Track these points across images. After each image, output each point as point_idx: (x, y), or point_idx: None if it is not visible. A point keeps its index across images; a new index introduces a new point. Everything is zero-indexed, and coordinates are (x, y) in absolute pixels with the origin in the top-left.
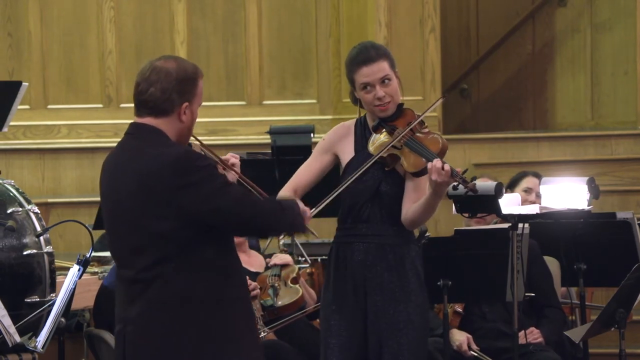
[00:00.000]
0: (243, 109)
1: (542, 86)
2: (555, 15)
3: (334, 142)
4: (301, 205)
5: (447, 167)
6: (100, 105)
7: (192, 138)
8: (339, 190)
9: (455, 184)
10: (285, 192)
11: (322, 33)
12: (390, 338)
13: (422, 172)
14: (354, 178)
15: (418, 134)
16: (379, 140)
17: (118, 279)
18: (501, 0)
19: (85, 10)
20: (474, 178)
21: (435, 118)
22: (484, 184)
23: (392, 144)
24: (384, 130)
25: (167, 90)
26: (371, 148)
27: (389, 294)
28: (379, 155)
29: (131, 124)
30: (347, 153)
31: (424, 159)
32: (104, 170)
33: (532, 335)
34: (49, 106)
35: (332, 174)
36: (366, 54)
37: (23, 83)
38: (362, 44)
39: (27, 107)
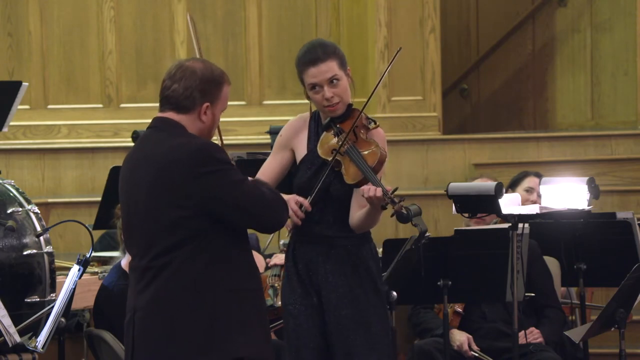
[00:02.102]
0: (243, 109)
1: (542, 86)
2: (555, 15)
3: (290, 137)
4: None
5: (378, 193)
6: (100, 105)
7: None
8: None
9: (384, 203)
10: None
11: (322, 33)
12: (342, 339)
13: (360, 184)
14: (317, 188)
15: (361, 139)
16: (325, 142)
17: (131, 269)
18: (501, 0)
19: (85, 10)
20: (402, 199)
21: (435, 118)
22: (484, 184)
23: (337, 151)
24: (332, 130)
25: (189, 88)
26: (319, 150)
27: (340, 295)
28: (328, 168)
29: (154, 117)
30: (300, 149)
31: (361, 174)
32: (124, 167)
33: (532, 335)
34: (49, 106)
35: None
36: (313, 54)
37: (23, 83)
38: (311, 43)
39: (27, 107)
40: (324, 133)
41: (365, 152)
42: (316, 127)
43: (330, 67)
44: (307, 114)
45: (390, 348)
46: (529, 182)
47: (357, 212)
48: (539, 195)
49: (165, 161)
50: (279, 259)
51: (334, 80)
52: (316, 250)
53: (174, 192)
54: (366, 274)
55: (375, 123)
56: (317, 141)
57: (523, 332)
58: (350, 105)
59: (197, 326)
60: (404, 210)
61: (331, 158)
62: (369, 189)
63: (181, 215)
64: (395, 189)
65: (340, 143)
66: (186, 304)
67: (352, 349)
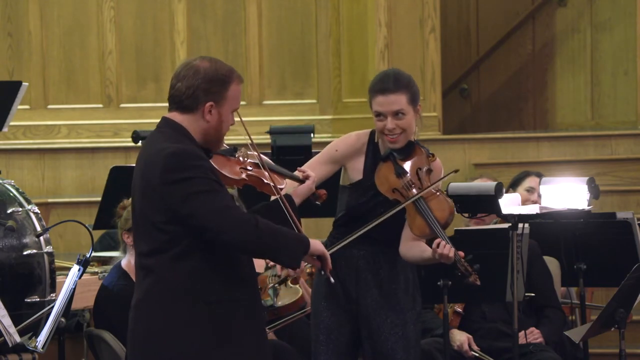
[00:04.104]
0: (243, 109)
1: (542, 86)
2: (555, 15)
3: (345, 157)
4: (319, 246)
5: (451, 254)
6: (100, 105)
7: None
8: (359, 234)
9: (451, 264)
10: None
11: (322, 33)
12: (379, 342)
13: (427, 237)
14: (374, 224)
15: (426, 188)
16: (384, 175)
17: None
18: (501, 0)
19: (85, 10)
20: (474, 265)
21: (435, 118)
22: (484, 184)
23: (401, 204)
24: (392, 165)
25: (191, 87)
26: (377, 181)
27: (380, 299)
28: (390, 214)
29: (161, 117)
30: (356, 171)
31: (428, 229)
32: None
33: (532, 335)
34: (49, 106)
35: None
36: (385, 83)
37: (23, 83)
38: (386, 71)
39: (27, 107)
40: (382, 163)
41: (434, 206)
42: (374, 154)
43: (398, 100)
44: (365, 134)
45: (420, 350)
46: (530, 182)
47: (410, 250)
48: (540, 195)
49: (147, 165)
50: None
51: (400, 114)
52: (355, 254)
53: (152, 195)
54: (404, 280)
55: (433, 155)
56: (374, 169)
57: (523, 332)
58: (411, 142)
59: (169, 336)
60: (478, 282)
61: (392, 198)
62: (442, 246)
63: (159, 219)
64: (469, 258)
65: (405, 202)
66: (162, 313)
67: (385, 353)
